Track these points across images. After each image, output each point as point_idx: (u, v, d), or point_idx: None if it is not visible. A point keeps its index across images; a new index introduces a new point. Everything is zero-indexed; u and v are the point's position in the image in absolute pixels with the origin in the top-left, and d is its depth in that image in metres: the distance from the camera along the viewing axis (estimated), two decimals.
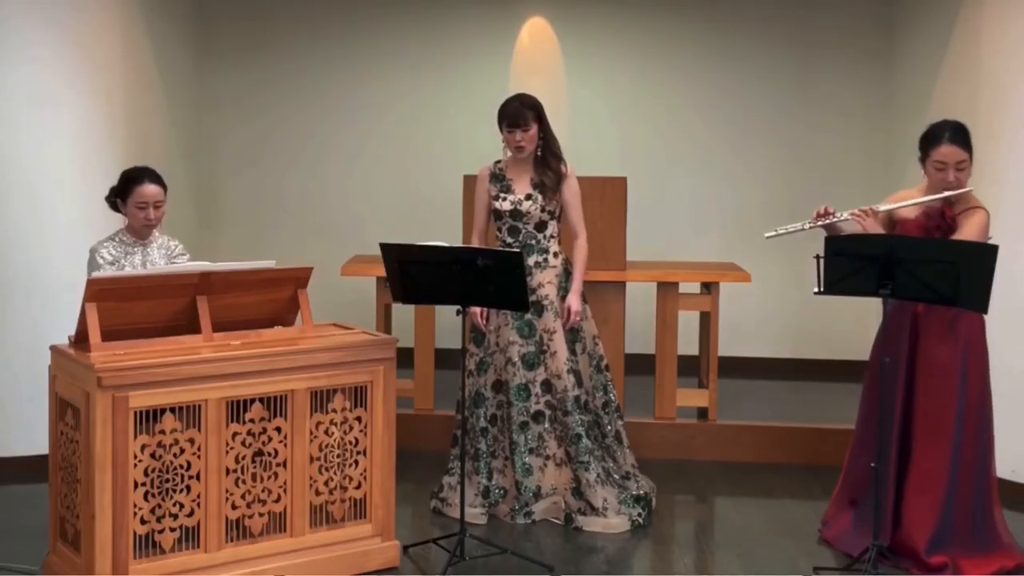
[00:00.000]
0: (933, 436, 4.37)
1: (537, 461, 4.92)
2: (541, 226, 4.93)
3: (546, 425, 4.92)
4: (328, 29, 7.67)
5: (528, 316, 4.90)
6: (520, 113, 4.86)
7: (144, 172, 4.48)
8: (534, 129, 4.88)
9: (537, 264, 4.92)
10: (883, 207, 4.42)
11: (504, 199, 4.93)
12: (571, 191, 4.95)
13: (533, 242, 4.93)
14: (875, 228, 4.36)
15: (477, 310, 4.90)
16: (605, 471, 4.95)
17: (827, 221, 4.40)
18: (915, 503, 4.38)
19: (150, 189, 4.42)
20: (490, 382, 4.98)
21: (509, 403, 4.92)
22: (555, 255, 4.96)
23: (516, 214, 4.92)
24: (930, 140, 4.36)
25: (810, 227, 4.44)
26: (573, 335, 4.96)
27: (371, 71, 7.67)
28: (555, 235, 4.98)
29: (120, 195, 4.45)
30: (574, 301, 4.89)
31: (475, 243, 5.02)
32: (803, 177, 7.45)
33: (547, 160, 4.93)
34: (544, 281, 4.92)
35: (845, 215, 4.37)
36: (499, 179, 4.99)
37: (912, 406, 4.43)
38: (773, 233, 4.48)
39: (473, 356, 5.00)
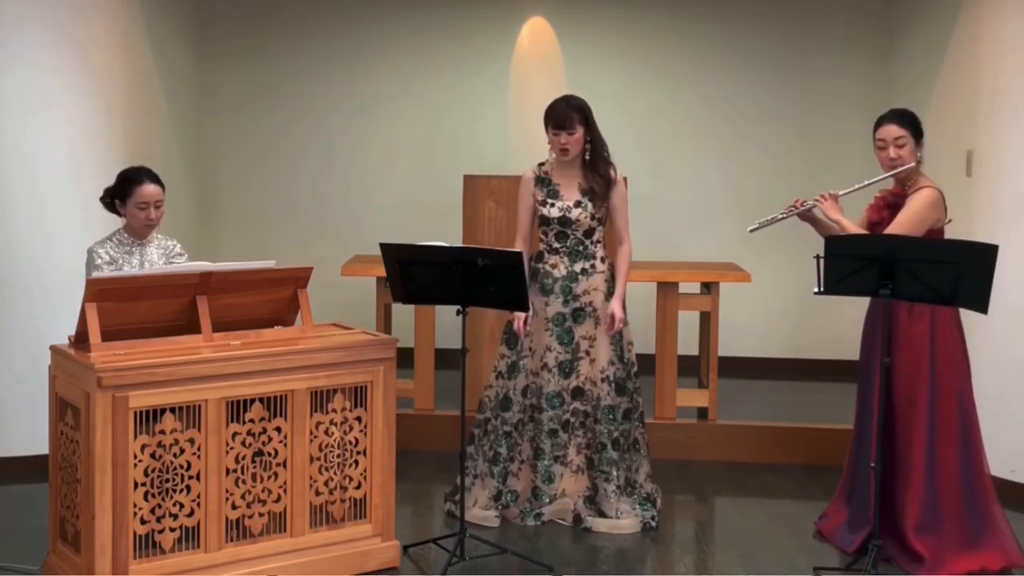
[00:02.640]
0: (908, 416, 4.41)
1: (560, 469, 4.88)
2: (589, 233, 4.83)
3: (572, 432, 4.86)
4: (328, 30, 7.67)
5: (569, 323, 4.83)
6: (566, 115, 4.72)
7: (142, 172, 4.46)
8: (580, 132, 4.74)
9: (584, 271, 4.83)
10: (841, 191, 4.57)
11: (552, 205, 4.82)
12: (619, 197, 4.84)
13: (580, 248, 4.83)
14: (832, 209, 4.49)
15: (520, 316, 4.77)
16: (626, 481, 4.91)
17: (800, 210, 4.58)
18: (900, 486, 4.40)
19: (150, 189, 4.40)
20: (519, 387, 4.90)
21: (539, 409, 4.86)
22: (602, 260, 4.87)
23: (565, 221, 4.80)
24: (875, 125, 4.55)
25: (783, 216, 4.61)
26: (613, 342, 4.88)
27: (371, 71, 7.67)
28: (601, 240, 4.87)
29: (119, 196, 4.44)
30: (617, 307, 4.79)
31: (519, 246, 4.85)
32: (804, 176, 7.44)
33: (596, 165, 4.79)
34: (591, 288, 4.82)
35: (811, 202, 4.56)
36: (545, 183, 4.86)
37: (891, 398, 4.45)
38: (756, 226, 4.66)
39: (505, 358, 4.92)
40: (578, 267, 4.83)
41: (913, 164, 4.45)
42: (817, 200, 4.53)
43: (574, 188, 4.83)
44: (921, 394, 4.39)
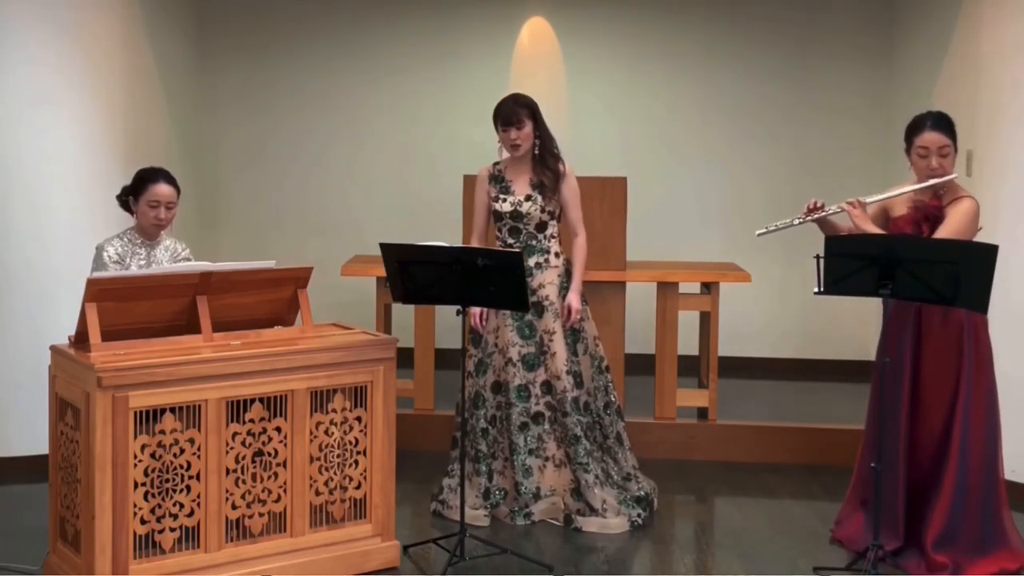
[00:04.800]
0: (944, 427, 4.35)
1: (537, 462, 4.92)
2: (541, 227, 4.92)
3: (546, 426, 4.91)
4: (328, 29, 7.67)
5: (528, 317, 4.89)
6: (513, 111, 4.85)
7: (159, 172, 4.52)
8: (528, 127, 4.86)
9: (538, 265, 4.91)
10: (870, 199, 4.43)
11: (504, 200, 4.92)
12: (570, 190, 4.94)
13: (534, 243, 4.92)
14: (864, 220, 4.35)
15: (476, 312, 4.89)
16: (604, 472, 4.95)
17: (818, 215, 4.42)
18: (932, 499, 4.37)
19: (163, 189, 4.45)
20: (489, 383, 4.97)
21: (509, 404, 4.91)
22: (556, 255, 4.95)
23: (516, 215, 4.91)
24: (913, 129, 4.40)
25: (800, 222, 4.46)
26: (574, 335, 4.95)
27: (371, 71, 7.67)
28: (555, 235, 4.97)
29: (133, 193, 4.47)
30: (574, 300, 4.88)
31: (474, 244, 5.00)
32: (804, 176, 7.46)
33: (545, 159, 4.91)
34: (545, 282, 4.91)
35: (835, 208, 4.39)
36: (498, 180, 4.97)
37: (918, 402, 4.42)
38: (764, 230, 4.52)
39: (472, 357, 4.99)
40: (532, 261, 4.88)
41: (955, 175, 4.32)
42: (844, 208, 4.36)
43: (525, 183, 4.92)
44: (958, 403, 4.32)
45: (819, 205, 4.42)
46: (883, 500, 4.34)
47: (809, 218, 4.43)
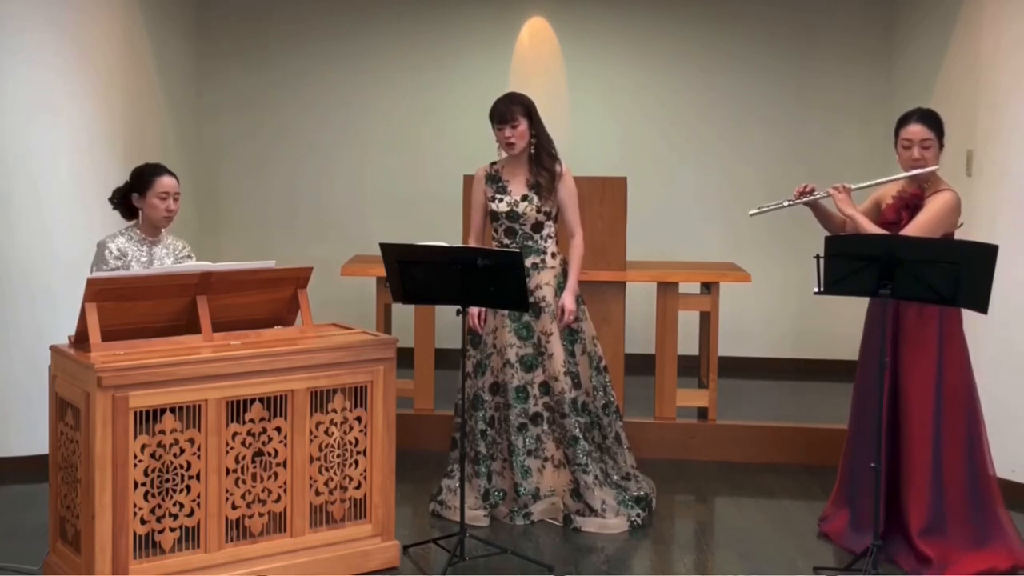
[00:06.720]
0: (916, 418, 4.40)
1: (535, 463, 4.91)
2: (538, 227, 4.91)
3: (544, 427, 4.91)
4: (328, 30, 7.68)
5: (526, 318, 4.88)
6: (508, 109, 4.84)
7: (159, 166, 4.54)
8: (523, 125, 4.84)
9: (535, 265, 4.90)
10: (855, 185, 4.56)
11: (500, 200, 4.91)
12: (567, 190, 4.92)
13: (530, 243, 4.91)
14: (846, 204, 4.48)
15: (475, 312, 4.88)
16: (603, 472, 4.94)
17: (808, 199, 4.56)
18: (906, 488, 4.40)
19: (170, 180, 4.48)
20: (487, 384, 4.96)
21: (507, 405, 4.91)
22: (553, 255, 4.94)
23: (512, 215, 4.89)
24: (900, 121, 4.54)
25: (789, 204, 4.60)
26: (572, 336, 4.94)
27: (371, 71, 7.68)
28: (552, 236, 4.95)
29: (137, 189, 4.47)
30: (568, 300, 4.86)
31: (471, 244, 4.99)
32: (804, 176, 7.37)
33: (542, 159, 4.89)
34: (542, 282, 4.90)
35: (823, 192, 4.54)
36: (495, 180, 4.96)
37: (898, 397, 4.46)
38: (756, 210, 4.66)
39: (471, 358, 4.98)
40: (528, 262, 4.86)
41: (936, 167, 4.43)
42: (830, 192, 4.51)
43: (521, 183, 4.91)
44: (928, 395, 4.38)
45: (809, 189, 4.58)
46: (864, 492, 4.44)
47: (799, 201, 4.57)
